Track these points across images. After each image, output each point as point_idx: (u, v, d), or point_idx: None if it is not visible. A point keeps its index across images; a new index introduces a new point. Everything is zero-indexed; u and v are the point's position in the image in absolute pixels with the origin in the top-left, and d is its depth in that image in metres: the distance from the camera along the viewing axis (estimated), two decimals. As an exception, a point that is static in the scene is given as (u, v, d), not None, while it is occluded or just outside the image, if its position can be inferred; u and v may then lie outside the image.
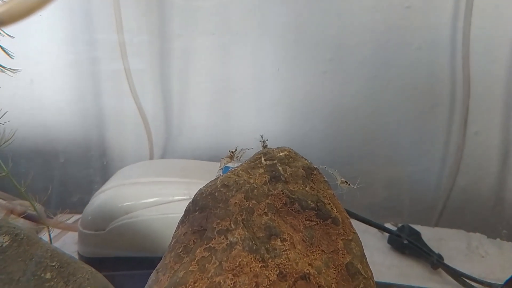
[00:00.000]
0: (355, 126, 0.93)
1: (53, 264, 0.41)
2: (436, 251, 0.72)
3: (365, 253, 0.44)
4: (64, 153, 0.97)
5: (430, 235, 0.79)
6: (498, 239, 0.82)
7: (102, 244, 0.62)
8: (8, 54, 0.48)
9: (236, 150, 0.49)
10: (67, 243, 0.73)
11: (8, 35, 0.46)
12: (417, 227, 0.80)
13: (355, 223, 0.58)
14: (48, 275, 0.39)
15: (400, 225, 0.80)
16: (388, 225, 0.80)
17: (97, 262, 0.59)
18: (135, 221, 0.62)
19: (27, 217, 0.63)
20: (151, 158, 1.00)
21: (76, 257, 0.65)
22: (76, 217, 0.75)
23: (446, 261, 0.69)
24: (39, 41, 0.92)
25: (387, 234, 0.77)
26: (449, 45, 0.87)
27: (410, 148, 0.93)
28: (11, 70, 0.48)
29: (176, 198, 0.65)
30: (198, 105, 0.99)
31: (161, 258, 0.48)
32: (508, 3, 0.83)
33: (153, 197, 0.65)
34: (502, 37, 0.84)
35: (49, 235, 0.58)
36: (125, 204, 0.63)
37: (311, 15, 0.88)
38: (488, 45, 0.85)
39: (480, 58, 0.86)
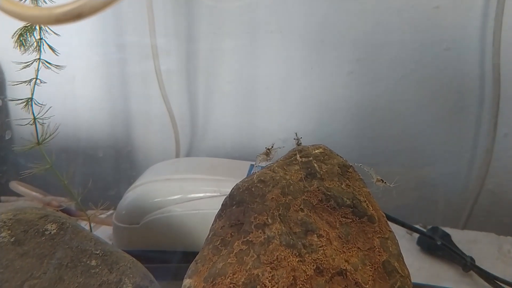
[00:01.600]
0: (382, 126, 0.92)
1: (97, 252, 0.42)
2: (467, 253, 0.71)
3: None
4: (94, 150, 0.99)
5: (459, 238, 0.78)
6: (530, 244, 0.80)
7: (136, 237, 0.64)
8: (54, 51, 0.50)
9: (272, 147, 0.50)
10: (100, 237, 0.75)
11: (55, 33, 0.49)
12: (445, 229, 0.79)
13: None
14: (93, 262, 0.41)
15: (429, 226, 0.79)
16: (417, 227, 0.79)
17: (131, 255, 0.60)
18: (168, 216, 0.63)
19: (64, 210, 0.66)
20: (177, 156, 1.01)
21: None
22: (104, 213, 0.77)
23: (477, 264, 0.68)
24: (72, 42, 0.95)
25: (416, 236, 0.77)
26: (479, 46, 0.86)
27: (438, 149, 0.92)
28: (56, 66, 0.51)
29: (207, 194, 0.66)
30: (224, 105, 1.00)
31: (191, 252, 0.49)
32: (540, 3, 0.81)
33: (184, 193, 0.66)
34: (533, 38, 0.83)
35: (90, 226, 0.60)
36: (158, 199, 0.65)
37: (338, 16, 0.89)
38: (519, 46, 0.84)
39: (510, 60, 0.84)
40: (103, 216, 0.72)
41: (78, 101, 0.99)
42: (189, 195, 0.66)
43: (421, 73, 0.89)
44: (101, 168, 1.01)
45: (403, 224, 0.67)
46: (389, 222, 0.65)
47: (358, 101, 0.93)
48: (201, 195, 0.66)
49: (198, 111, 1.01)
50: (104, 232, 0.74)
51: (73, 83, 0.93)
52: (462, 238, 0.78)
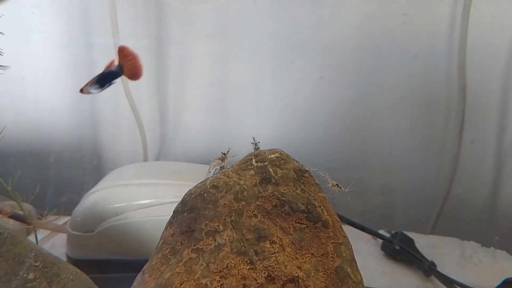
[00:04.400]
0: (351, 132, 0.93)
1: (37, 264, 0.40)
2: (430, 258, 0.71)
3: (357, 259, 0.44)
4: (57, 154, 0.96)
5: (424, 243, 0.79)
6: (492, 248, 0.82)
7: (91, 246, 0.61)
8: (-2, 51, 0.48)
9: (228, 152, 0.48)
10: (56, 245, 0.72)
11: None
12: (411, 235, 0.79)
13: (348, 228, 0.57)
14: (31, 275, 0.38)
15: (393, 232, 0.79)
16: (382, 232, 0.79)
17: (86, 264, 0.58)
18: (125, 223, 0.61)
19: (14, 217, 0.62)
20: (145, 160, 0.99)
21: (65, 259, 0.63)
22: (66, 218, 0.74)
23: (439, 269, 0.69)
24: (34, 42, 0.92)
25: (381, 241, 0.77)
26: (446, 53, 0.87)
27: (406, 155, 0.92)
28: (1, 66, 0.48)
29: (167, 200, 0.64)
30: (194, 109, 0.98)
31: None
32: (503, 14, 0.83)
33: (144, 199, 0.64)
34: (497, 47, 0.85)
35: (35, 235, 0.57)
36: (115, 205, 0.62)
37: (309, 21, 0.89)
38: (484, 54, 0.86)
39: (476, 67, 0.86)
40: (60, 223, 0.69)
41: (40, 103, 0.95)
42: (148, 201, 0.64)
43: (390, 80, 0.90)
44: (66, 172, 0.98)
45: (363, 229, 0.66)
46: (351, 227, 0.65)
47: (328, 106, 0.93)
48: (161, 200, 0.64)
49: (168, 115, 1.00)
50: (61, 240, 0.72)
51: (22, 83, 0.89)
52: (426, 243, 0.79)
